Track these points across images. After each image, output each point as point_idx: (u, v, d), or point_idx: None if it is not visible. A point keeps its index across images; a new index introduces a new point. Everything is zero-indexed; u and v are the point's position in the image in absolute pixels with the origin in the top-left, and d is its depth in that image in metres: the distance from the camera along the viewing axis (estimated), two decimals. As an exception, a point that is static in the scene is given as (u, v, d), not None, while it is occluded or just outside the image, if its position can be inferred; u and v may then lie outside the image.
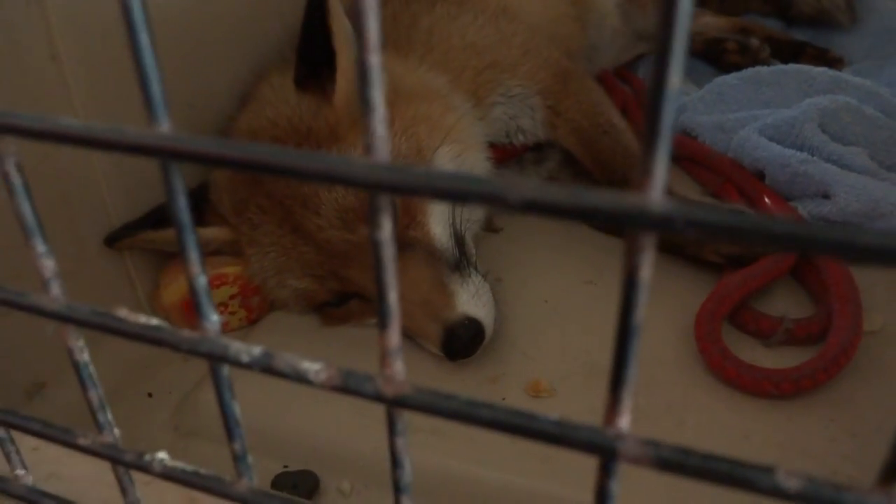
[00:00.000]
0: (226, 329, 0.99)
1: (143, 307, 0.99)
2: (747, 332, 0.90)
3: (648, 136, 0.16)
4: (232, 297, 0.97)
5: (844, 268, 0.92)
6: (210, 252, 0.96)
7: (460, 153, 0.96)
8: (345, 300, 0.92)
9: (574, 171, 1.19)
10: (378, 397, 0.22)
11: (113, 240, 0.92)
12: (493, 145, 1.11)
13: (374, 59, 0.17)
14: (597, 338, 0.91)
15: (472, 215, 1.00)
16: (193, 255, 0.23)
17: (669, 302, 0.95)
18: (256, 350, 0.24)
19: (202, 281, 0.24)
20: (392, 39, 1.10)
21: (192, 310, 0.96)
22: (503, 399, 0.83)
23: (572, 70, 1.19)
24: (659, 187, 0.16)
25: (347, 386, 0.22)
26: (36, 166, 0.84)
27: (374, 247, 0.20)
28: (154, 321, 0.25)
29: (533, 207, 0.17)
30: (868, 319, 0.90)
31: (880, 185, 1.03)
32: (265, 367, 0.23)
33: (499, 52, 1.11)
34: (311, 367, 0.23)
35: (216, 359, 0.24)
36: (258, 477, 0.63)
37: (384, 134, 0.18)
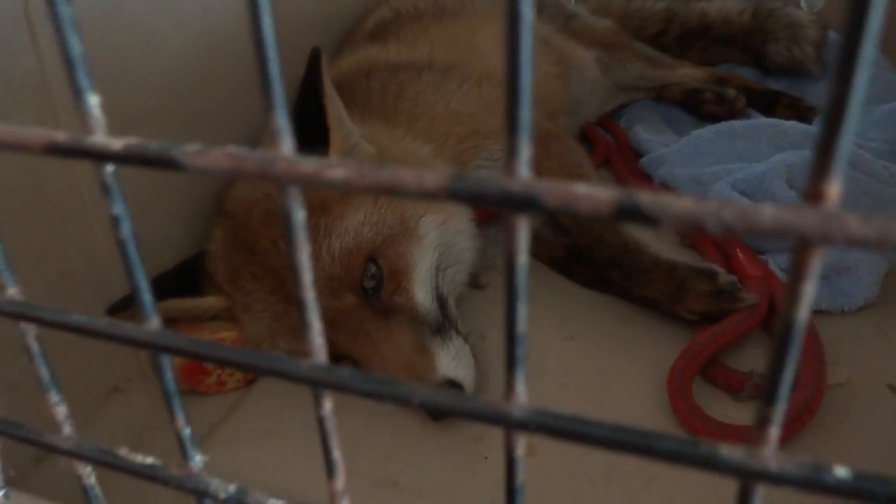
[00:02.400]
0: (223, 390, 1.05)
1: (144, 372, 1.04)
2: (718, 386, 0.95)
3: (510, 364, 0.21)
4: (229, 360, 1.02)
5: (810, 323, 0.98)
6: (208, 318, 1.02)
7: (444, 220, 1.01)
8: (335, 362, 0.97)
9: (556, 228, 1.25)
10: (328, 531, 0.27)
11: (115, 311, 0.98)
12: (477, 207, 1.17)
13: (310, 295, 0.23)
14: (576, 395, 0.96)
15: (456, 277, 1.06)
16: (179, 416, 0.28)
17: (646, 356, 1.00)
18: (231, 487, 0.29)
19: (187, 432, 0.29)
20: (380, 111, 1.16)
21: (192, 374, 1.02)
22: (486, 458, 0.88)
23: (553, 132, 1.25)
24: (521, 399, 0.22)
25: (304, 521, 0.28)
26: (38, 245, 0.91)
27: (320, 423, 0.26)
28: (149, 460, 0.31)
29: (425, 407, 0.22)
30: (833, 373, 0.95)
31: (845, 239, 1.09)
32: (238, 502, 0.29)
33: (481, 120, 1.18)
34: (276, 502, 0.28)
35: (200, 493, 0.30)
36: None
37: (321, 342, 0.24)
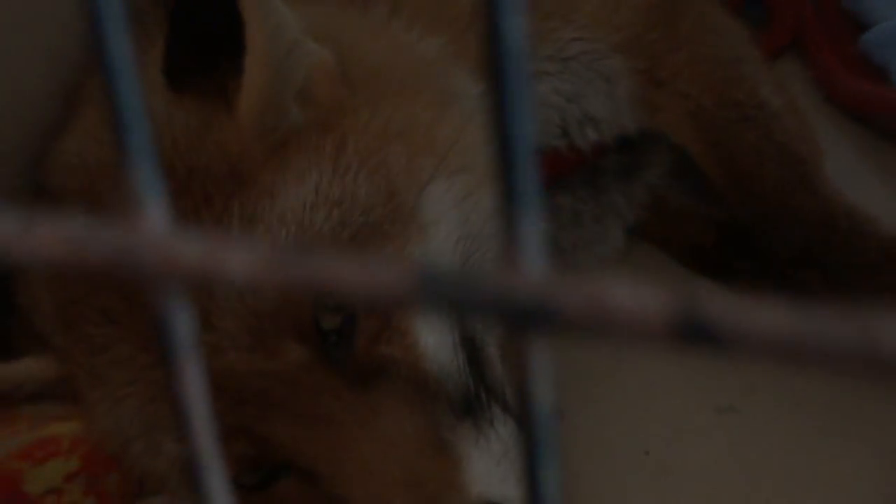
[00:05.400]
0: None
1: None
2: None
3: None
4: (69, 477, 1.07)
5: None
6: (25, 399, 1.07)
7: (470, 191, 1.05)
8: (270, 478, 1.02)
9: (696, 186, 1.28)
10: None
11: None
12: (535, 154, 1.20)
13: (212, 457, 0.28)
14: None
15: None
16: None
17: (881, 439, 1.03)
18: None
19: None
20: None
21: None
22: None
23: (683, -1, 1.28)
24: None
25: None
26: None
27: None
28: None
29: None
30: None
31: None
32: None
33: (537, -19, 1.21)
34: None
35: None
36: None
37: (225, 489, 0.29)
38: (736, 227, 1.21)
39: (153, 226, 0.26)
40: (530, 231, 0.23)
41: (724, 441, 1.08)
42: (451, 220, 1.05)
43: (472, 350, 1.03)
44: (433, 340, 1.01)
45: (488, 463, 0.95)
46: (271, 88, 1.00)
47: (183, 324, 0.27)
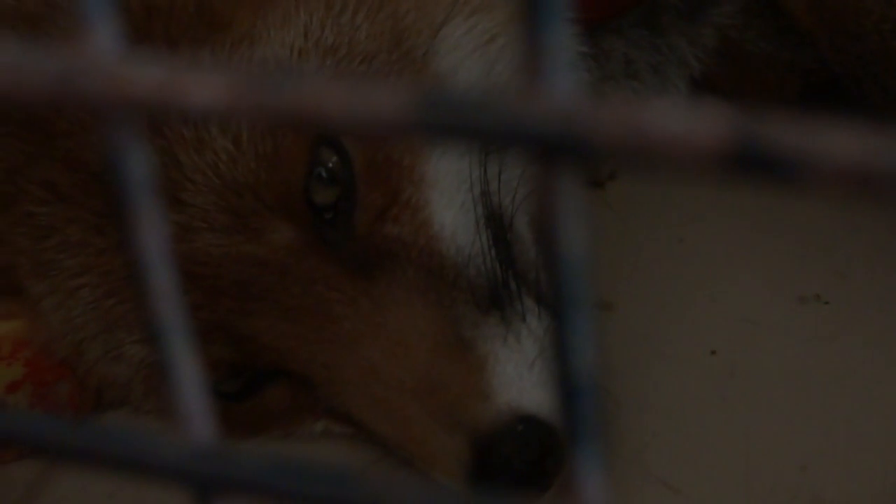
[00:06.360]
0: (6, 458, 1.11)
1: None
2: None
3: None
4: (11, 386, 1.08)
5: None
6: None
7: (495, 33, 1.03)
8: (253, 386, 1.04)
9: (776, 27, 1.26)
10: None
11: None
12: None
13: (173, 317, 0.28)
14: (826, 434, 1.00)
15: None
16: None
17: None
18: None
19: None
20: None
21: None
22: None
23: None
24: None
25: None
26: None
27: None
28: None
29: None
30: None
31: None
32: None
33: None
34: None
35: None
36: None
37: (203, 405, 0.30)
38: (824, 76, 1.20)
39: (101, 48, 0.25)
40: (555, 43, 0.23)
41: (806, 337, 1.07)
42: (472, 68, 1.04)
43: (498, 228, 1.03)
44: (451, 217, 1.01)
45: (519, 365, 0.95)
46: None
47: (137, 163, 0.26)
